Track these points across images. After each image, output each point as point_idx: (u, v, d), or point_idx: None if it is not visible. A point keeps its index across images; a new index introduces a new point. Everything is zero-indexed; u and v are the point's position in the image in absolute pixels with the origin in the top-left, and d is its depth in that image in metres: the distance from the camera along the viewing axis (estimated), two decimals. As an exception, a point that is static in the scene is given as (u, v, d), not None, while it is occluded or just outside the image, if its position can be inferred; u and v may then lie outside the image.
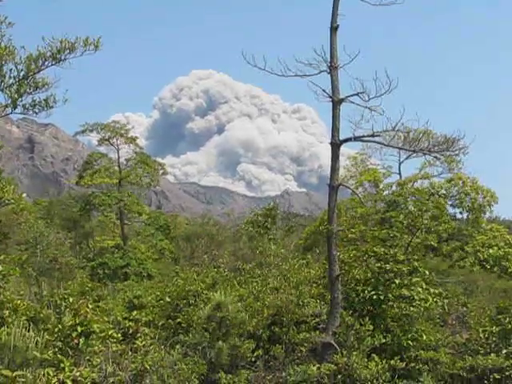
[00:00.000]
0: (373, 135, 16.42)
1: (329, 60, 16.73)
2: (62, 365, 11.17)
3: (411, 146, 17.03)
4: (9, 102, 13.91)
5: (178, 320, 17.07)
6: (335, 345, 15.97)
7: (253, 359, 15.61)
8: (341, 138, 16.92)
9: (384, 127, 16.15)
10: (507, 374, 15.57)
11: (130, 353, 13.16)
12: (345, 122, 16.91)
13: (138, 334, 14.25)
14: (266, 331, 16.74)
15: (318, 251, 29.92)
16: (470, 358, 16.30)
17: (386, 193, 36.77)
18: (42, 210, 56.39)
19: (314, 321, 17.11)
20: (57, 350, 11.85)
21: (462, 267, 33.33)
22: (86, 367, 11.62)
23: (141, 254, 44.51)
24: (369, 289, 17.25)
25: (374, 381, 14.99)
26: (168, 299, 18.23)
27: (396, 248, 19.43)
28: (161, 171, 50.66)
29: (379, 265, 17.82)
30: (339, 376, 15.18)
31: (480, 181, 36.67)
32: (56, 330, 12.30)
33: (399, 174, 39.68)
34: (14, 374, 10.00)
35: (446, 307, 19.85)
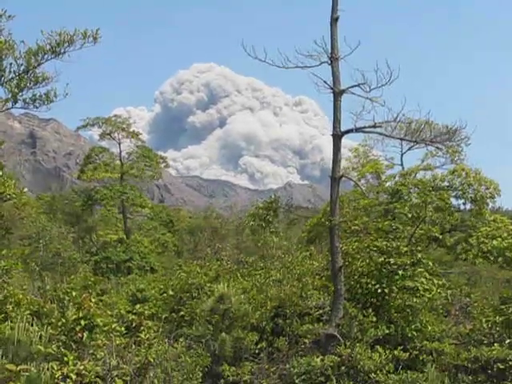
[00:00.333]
0: (374, 126, 16.38)
1: (329, 51, 16.66)
2: (65, 359, 11.17)
3: (413, 136, 16.98)
4: (9, 96, 13.90)
5: (182, 313, 17.11)
6: (339, 336, 15.98)
7: (256, 351, 15.63)
8: (342, 130, 16.88)
9: (385, 118, 16.14)
10: (511, 363, 15.55)
11: (133, 346, 13.15)
12: (346, 114, 16.88)
13: (142, 328, 14.23)
14: (270, 323, 16.76)
15: (321, 243, 29.90)
16: (474, 348, 16.28)
17: (388, 184, 36.65)
18: (44, 205, 56.47)
19: (317, 312, 17.12)
20: (60, 343, 11.86)
21: (465, 259, 33.26)
22: (89, 361, 11.63)
23: (144, 247, 44.62)
24: (372, 282, 17.24)
25: (378, 372, 14.98)
26: (171, 292, 18.27)
27: (399, 240, 19.39)
28: (163, 164, 50.70)
29: (382, 258, 17.80)
30: (343, 367, 15.18)
31: (483, 172, 36.50)
32: (59, 324, 12.29)
33: (401, 165, 39.49)
34: (18, 368, 10.02)
35: (449, 298, 19.84)
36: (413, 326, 16.97)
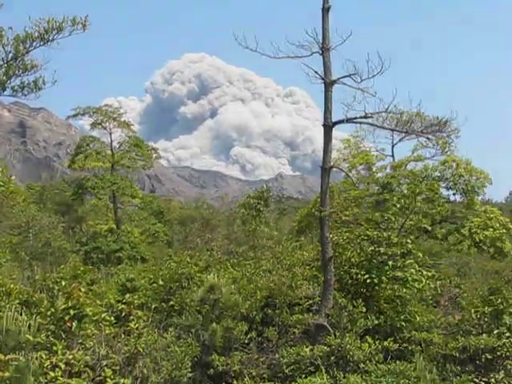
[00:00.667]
0: (365, 117, 16.36)
1: (321, 41, 16.61)
2: (54, 348, 11.15)
3: (404, 127, 17.00)
4: (-3, 84, 13.78)
5: (171, 303, 17.08)
6: (328, 326, 16.02)
7: (246, 341, 15.64)
8: (333, 120, 16.86)
9: (376, 109, 16.12)
10: (499, 353, 15.67)
11: (122, 336, 13.13)
12: (338, 105, 16.85)
13: (131, 317, 14.19)
14: (259, 313, 16.77)
15: (311, 234, 29.95)
16: (463, 338, 16.37)
17: (379, 175, 36.70)
18: (34, 195, 56.29)
19: (307, 303, 17.15)
20: (49, 333, 11.83)
21: (459, 251, 33.42)
22: (78, 350, 11.61)
23: (134, 237, 44.54)
24: (362, 272, 17.28)
25: (367, 362, 15.05)
26: (161, 282, 18.22)
27: (389, 231, 19.44)
28: (154, 155, 50.54)
29: (373, 248, 17.85)
30: (332, 357, 15.21)
31: (473, 163, 36.62)
32: (49, 313, 12.26)
33: (392, 156, 39.50)
34: (6, 358, 9.98)
35: (438, 288, 19.95)
36: (402, 317, 17.05)
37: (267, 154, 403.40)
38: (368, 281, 16.98)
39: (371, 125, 18.63)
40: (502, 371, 15.46)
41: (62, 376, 10.51)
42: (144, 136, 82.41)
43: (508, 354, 15.62)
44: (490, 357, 15.62)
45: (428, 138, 21.99)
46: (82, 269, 18.97)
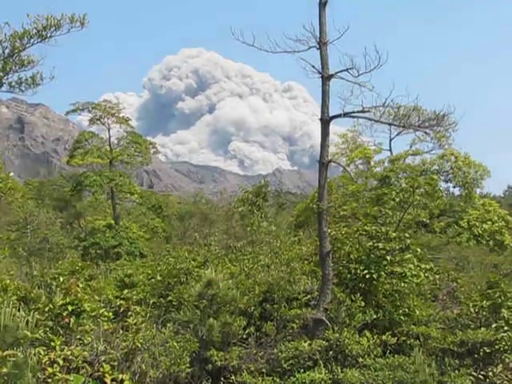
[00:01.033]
0: (363, 111, 16.31)
1: (318, 36, 16.56)
2: (52, 344, 11.15)
3: (401, 121, 16.95)
4: (-6, 79, 13.75)
5: (169, 298, 17.07)
6: (326, 321, 16.03)
7: (244, 336, 15.62)
8: (331, 115, 16.83)
9: (374, 103, 16.07)
10: (497, 347, 15.69)
11: (121, 331, 13.14)
12: (335, 99, 16.80)
13: (129, 313, 14.21)
14: (258, 308, 16.76)
15: (309, 228, 29.94)
16: (461, 332, 16.38)
17: (377, 169, 36.74)
18: (32, 191, 56.22)
19: (305, 297, 17.14)
20: (48, 329, 11.85)
21: (458, 243, 33.50)
22: (77, 346, 11.63)
23: (133, 233, 44.54)
24: (361, 267, 17.28)
25: (366, 356, 15.07)
26: (159, 277, 18.23)
27: (388, 225, 19.44)
28: (152, 150, 50.50)
29: (371, 243, 17.85)
30: (331, 352, 15.24)
31: (472, 156, 36.70)
32: (47, 309, 12.27)
33: (390, 150, 39.65)
34: (4, 354, 9.97)
35: (437, 283, 19.96)
36: (400, 311, 17.06)
37: (266, 149, 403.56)
38: (367, 275, 16.98)
39: (369, 119, 18.59)
40: (500, 365, 15.46)
41: (60, 372, 10.51)
42: (142, 131, 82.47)
43: (506, 347, 15.63)
44: (488, 350, 15.64)
45: (426, 132, 21.97)
46: (80, 264, 19.01)
